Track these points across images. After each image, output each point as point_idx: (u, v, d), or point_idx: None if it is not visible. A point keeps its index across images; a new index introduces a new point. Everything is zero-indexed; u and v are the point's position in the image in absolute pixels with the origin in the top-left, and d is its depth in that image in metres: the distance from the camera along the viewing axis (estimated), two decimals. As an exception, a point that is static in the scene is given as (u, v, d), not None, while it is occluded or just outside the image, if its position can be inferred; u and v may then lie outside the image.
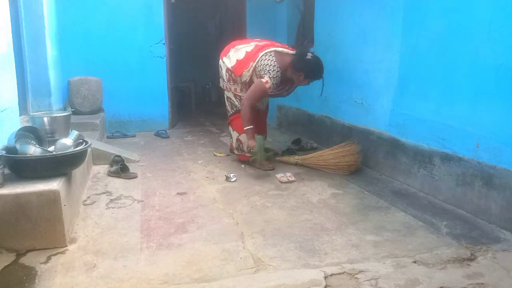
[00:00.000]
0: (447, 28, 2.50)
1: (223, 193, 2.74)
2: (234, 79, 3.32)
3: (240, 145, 3.41)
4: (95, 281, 1.65)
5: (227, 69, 3.33)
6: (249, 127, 3.18)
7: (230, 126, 3.49)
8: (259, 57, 3.16)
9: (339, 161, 3.16)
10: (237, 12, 5.81)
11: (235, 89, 3.34)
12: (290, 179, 2.98)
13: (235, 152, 3.51)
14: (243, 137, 3.34)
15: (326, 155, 3.27)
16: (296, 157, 3.44)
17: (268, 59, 3.13)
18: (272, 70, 3.11)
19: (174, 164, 3.51)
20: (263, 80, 3.11)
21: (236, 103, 3.36)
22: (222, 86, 3.48)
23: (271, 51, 3.17)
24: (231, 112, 3.44)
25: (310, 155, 3.37)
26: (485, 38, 2.23)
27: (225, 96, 3.47)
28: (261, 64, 3.15)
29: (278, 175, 3.04)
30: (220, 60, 3.43)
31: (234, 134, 3.45)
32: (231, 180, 2.99)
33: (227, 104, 3.48)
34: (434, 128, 2.64)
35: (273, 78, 3.11)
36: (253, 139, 3.18)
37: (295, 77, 3.23)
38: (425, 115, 2.72)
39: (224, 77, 3.39)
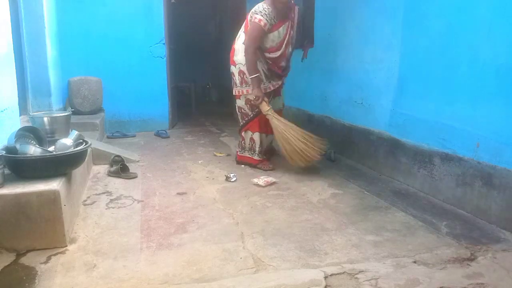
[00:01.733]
0: (447, 28, 2.51)
1: (223, 193, 2.74)
2: (246, 81, 3.24)
3: (254, 144, 3.37)
4: (95, 281, 1.65)
5: (240, 71, 3.26)
6: (255, 75, 3.13)
7: (242, 133, 3.44)
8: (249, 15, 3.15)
9: (304, 147, 3.03)
10: (237, 12, 5.80)
11: (247, 91, 3.24)
12: (268, 181, 2.89)
13: (246, 154, 3.43)
14: (256, 136, 3.32)
15: (295, 134, 3.09)
16: (269, 108, 3.18)
17: (256, 6, 3.11)
18: (262, 9, 3.05)
19: (174, 164, 3.51)
20: (256, 20, 3.05)
21: (248, 111, 3.33)
22: (235, 94, 3.38)
23: (258, 4, 3.12)
24: (242, 122, 3.40)
25: (283, 120, 3.20)
26: (485, 38, 2.23)
27: (236, 106, 3.42)
28: (251, 13, 3.12)
29: (255, 179, 2.95)
30: (232, 66, 3.33)
31: (248, 134, 3.39)
32: (231, 180, 2.99)
33: (238, 114, 3.44)
34: (434, 128, 2.64)
35: (265, 14, 3.04)
36: (259, 89, 3.15)
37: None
38: (425, 115, 2.72)
39: (237, 82, 3.30)
